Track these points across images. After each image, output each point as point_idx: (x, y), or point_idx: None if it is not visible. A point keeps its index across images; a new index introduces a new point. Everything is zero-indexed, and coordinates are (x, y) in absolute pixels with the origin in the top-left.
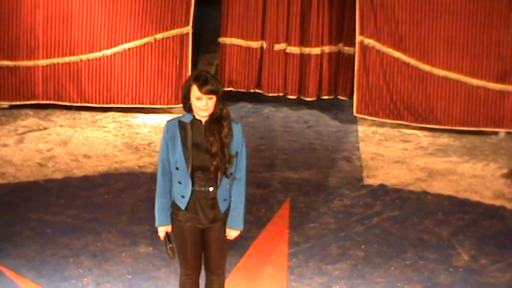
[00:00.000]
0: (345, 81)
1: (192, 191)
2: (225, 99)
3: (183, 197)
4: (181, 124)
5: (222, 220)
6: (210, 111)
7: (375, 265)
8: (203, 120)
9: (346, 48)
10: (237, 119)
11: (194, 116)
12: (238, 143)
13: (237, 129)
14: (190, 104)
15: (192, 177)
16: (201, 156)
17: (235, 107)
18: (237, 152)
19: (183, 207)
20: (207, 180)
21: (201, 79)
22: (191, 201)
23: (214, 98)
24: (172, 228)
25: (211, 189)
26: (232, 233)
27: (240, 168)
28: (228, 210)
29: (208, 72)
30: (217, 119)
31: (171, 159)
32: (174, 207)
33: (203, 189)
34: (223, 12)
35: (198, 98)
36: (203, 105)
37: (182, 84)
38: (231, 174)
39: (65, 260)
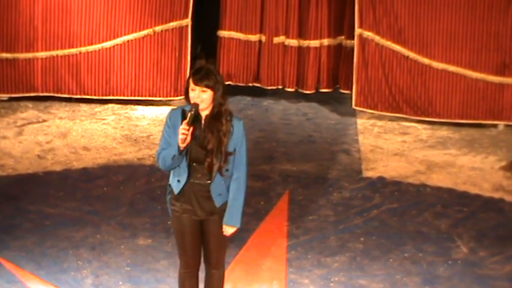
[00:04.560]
0: (347, 75)
1: (187, 181)
2: (225, 95)
3: (178, 181)
4: (184, 112)
5: (219, 214)
6: (205, 105)
7: (373, 257)
8: (203, 114)
9: (347, 41)
10: (235, 112)
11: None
12: (237, 140)
13: (237, 126)
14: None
15: (189, 167)
16: (197, 149)
17: (234, 100)
18: (235, 149)
19: (176, 191)
20: (203, 174)
21: (199, 71)
22: (186, 191)
23: (208, 91)
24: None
25: (207, 182)
26: (228, 230)
27: (238, 165)
28: (225, 204)
29: (211, 66)
30: (216, 115)
31: (172, 145)
32: (171, 196)
33: (198, 181)
34: (222, 5)
35: (192, 89)
36: (195, 96)
37: (184, 76)
38: (227, 171)
39: (64, 252)
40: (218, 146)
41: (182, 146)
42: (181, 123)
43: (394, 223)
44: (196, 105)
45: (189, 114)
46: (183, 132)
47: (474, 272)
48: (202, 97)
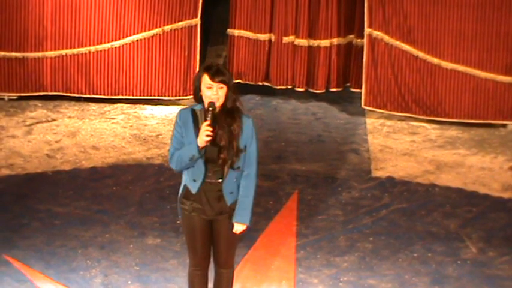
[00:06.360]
0: (357, 73)
1: (203, 180)
2: (237, 91)
3: (194, 180)
4: (193, 112)
5: (229, 213)
6: (221, 101)
7: (382, 257)
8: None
9: (358, 40)
10: (245, 111)
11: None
12: (247, 137)
13: (247, 123)
14: (201, 95)
15: (206, 167)
16: (209, 147)
17: (244, 99)
18: (245, 146)
19: (193, 191)
20: (214, 172)
21: (212, 68)
22: (200, 190)
23: (224, 87)
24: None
25: (219, 180)
26: (237, 227)
27: (248, 162)
28: (235, 203)
29: (219, 63)
30: (228, 111)
31: (187, 145)
32: (182, 195)
33: (210, 180)
34: (232, 3)
35: (209, 87)
36: (213, 94)
37: (194, 76)
38: (238, 167)
39: (73, 252)
40: (230, 141)
41: (202, 146)
42: (193, 123)
43: (403, 223)
44: (213, 104)
45: (210, 115)
46: (207, 133)
47: (483, 272)
48: (220, 94)
